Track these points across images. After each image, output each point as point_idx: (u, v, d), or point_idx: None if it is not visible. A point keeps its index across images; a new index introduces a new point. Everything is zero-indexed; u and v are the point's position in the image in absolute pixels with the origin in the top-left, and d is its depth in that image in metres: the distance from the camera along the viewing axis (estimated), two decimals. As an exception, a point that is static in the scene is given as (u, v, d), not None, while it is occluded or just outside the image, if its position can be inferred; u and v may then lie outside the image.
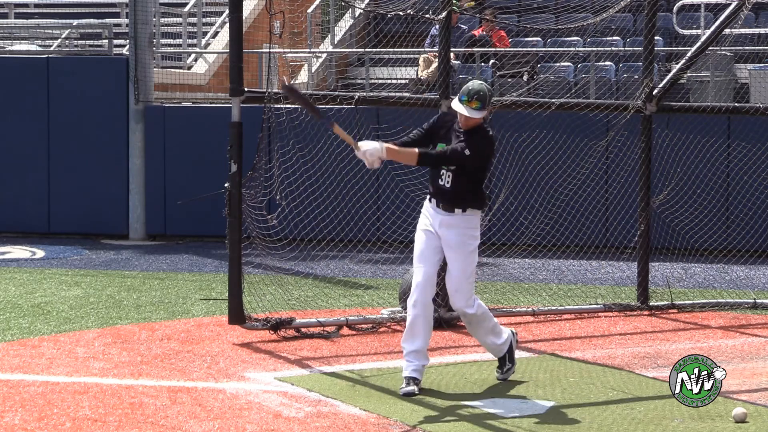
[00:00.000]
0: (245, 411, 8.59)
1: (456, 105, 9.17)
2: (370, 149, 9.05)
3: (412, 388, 9.13)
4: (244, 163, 11.08)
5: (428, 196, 9.35)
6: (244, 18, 11.39)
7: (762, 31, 20.19)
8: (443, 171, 9.20)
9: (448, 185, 9.18)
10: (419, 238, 9.32)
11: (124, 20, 24.08)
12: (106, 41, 21.45)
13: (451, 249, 9.24)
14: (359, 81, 21.50)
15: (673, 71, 13.48)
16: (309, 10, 21.11)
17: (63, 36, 22.60)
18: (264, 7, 13.13)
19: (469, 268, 9.27)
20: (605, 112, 13.36)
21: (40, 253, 17.52)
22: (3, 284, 14.43)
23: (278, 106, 11.63)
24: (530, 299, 13.38)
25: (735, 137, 16.72)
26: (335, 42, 22.50)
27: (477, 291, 13.25)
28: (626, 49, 20.16)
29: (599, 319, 12.58)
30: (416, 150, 9.13)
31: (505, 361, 9.63)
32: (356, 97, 11.91)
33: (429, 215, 9.31)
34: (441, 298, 11.89)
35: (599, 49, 19.69)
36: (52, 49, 22.29)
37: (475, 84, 9.21)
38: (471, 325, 9.52)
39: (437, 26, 13.50)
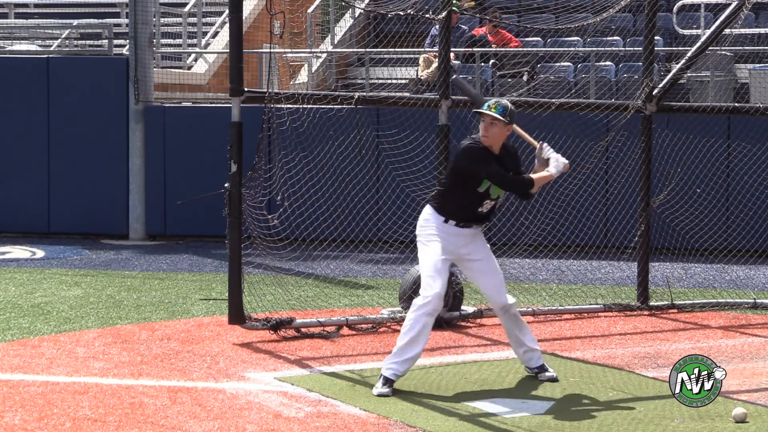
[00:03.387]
0: (245, 411, 8.59)
1: (481, 110, 9.30)
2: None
3: (389, 390, 9.14)
4: (244, 163, 11.08)
5: (442, 218, 9.36)
6: (244, 18, 11.39)
7: (762, 31, 20.19)
8: (486, 201, 9.31)
9: (486, 210, 9.39)
10: (435, 250, 9.32)
11: (124, 20, 24.10)
12: (106, 41, 21.47)
13: (483, 254, 9.44)
14: (359, 81, 21.51)
15: (673, 71, 13.48)
16: (309, 10, 21.12)
17: (63, 36, 22.61)
18: (264, 7, 13.11)
19: (496, 264, 9.55)
20: (605, 112, 13.36)
21: (40, 253, 17.52)
22: (3, 284, 14.43)
23: (279, 106, 11.64)
24: (530, 299, 13.38)
25: (735, 137, 16.72)
26: (335, 42, 22.50)
27: (478, 291, 13.28)
28: (626, 49, 20.17)
29: (599, 319, 12.58)
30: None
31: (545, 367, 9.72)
32: (356, 97, 11.90)
33: (446, 232, 9.34)
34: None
35: (599, 49, 19.70)
36: (52, 49, 22.30)
37: (502, 102, 9.39)
38: (513, 320, 9.58)
39: (437, 26, 13.50)
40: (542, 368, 9.66)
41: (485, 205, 9.34)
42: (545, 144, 9.47)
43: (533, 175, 9.36)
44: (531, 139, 9.60)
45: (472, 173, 9.23)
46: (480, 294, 13.23)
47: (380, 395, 9.07)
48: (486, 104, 9.27)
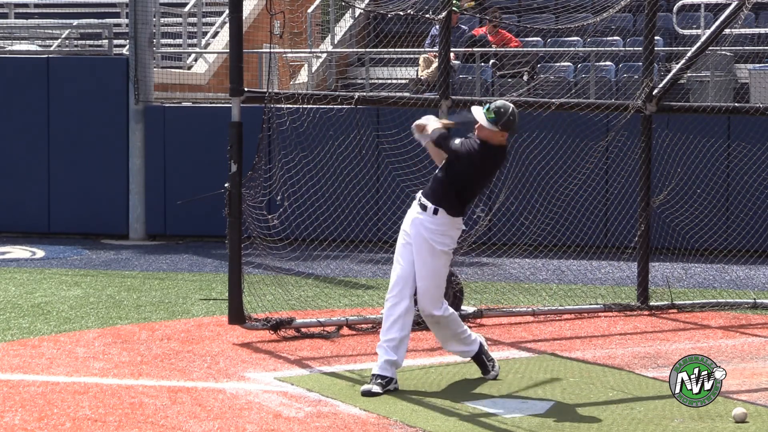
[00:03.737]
0: (245, 411, 8.59)
1: (475, 108, 9.19)
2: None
3: (369, 387, 9.13)
4: (244, 163, 11.08)
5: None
6: (244, 18, 11.39)
7: (762, 31, 20.19)
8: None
9: (438, 173, 9.28)
10: (399, 235, 9.43)
11: (124, 20, 24.09)
12: (106, 41, 21.47)
13: (415, 248, 9.24)
14: (359, 81, 21.51)
15: (673, 71, 13.48)
16: (309, 10, 21.11)
17: (63, 36, 22.61)
18: (264, 7, 13.12)
19: (433, 270, 9.19)
20: (605, 112, 13.36)
21: (40, 253, 17.52)
22: (3, 284, 14.43)
23: (279, 106, 11.63)
24: (530, 299, 13.38)
25: (735, 137, 16.72)
26: (335, 42, 22.50)
27: (477, 291, 13.31)
28: (626, 49, 20.17)
29: (599, 319, 12.58)
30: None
31: (483, 360, 9.60)
32: (356, 97, 11.90)
33: (408, 214, 9.38)
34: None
35: (599, 49, 19.70)
36: (52, 49, 22.30)
37: (500, 101, 9.22)
38: (434, 327, 9.49)
39: (437, 26, 13.50)
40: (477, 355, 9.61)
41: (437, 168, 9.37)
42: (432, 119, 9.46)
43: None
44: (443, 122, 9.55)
45: None
46: (480, 294, 13.26)
47: (362, 392, 9.12)
48: (486, 106, 9.16)
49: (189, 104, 20.52)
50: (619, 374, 9.97)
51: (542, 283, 14.65)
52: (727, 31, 13.28)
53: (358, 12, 22.78)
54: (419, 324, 11.80)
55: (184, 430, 8.10)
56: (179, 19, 23.15)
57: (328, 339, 11.31)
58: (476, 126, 9.18)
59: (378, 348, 9.28)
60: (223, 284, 13.33)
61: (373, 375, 9.20)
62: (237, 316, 11.17)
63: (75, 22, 23.11)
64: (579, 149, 15.02)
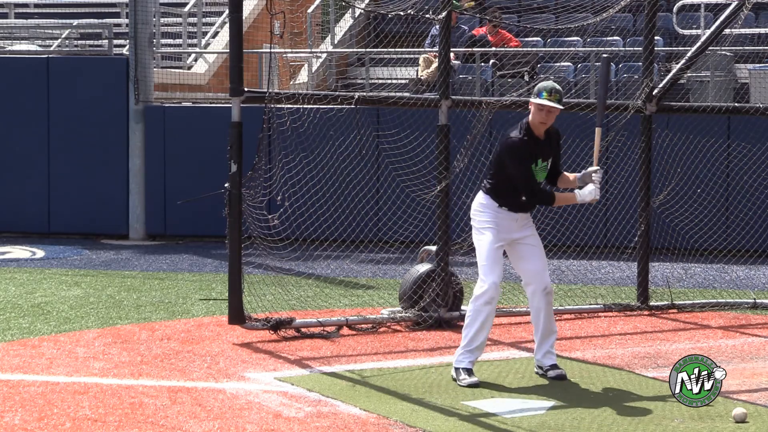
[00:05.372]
0: (245, 411, 8.59)
1: (539, 100, 9.40)
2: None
3: (476, 378, 9.40)
4: (244, 163, 11.08)
5: (497, 204, 9.52)
6: (244, 18, 11.39)
7: (762, 31, 20.19)
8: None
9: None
10: (489, 239, 9.51)
11: (124, 20, 24.11)
12: (106, 41, 21.47)
13: (533, 237, 9.59)
14: (359, 81, 21.51)
15: (673, 71, 13.48)
16: (309, 10, 21.12)
17: (63, 36, 22.62)
18: (264, 7, 13.13)
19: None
20: (605, 112, 13.34)
21: (40, 253, 17.52)
22: (3, 284, 14.43)
23: (279, 106, 11.64)
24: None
25: (735, 137, 16.73)
26: (335, 42, 22.50)
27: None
28: (626, 49, 20.17)
29: (599, 319, 12.58)
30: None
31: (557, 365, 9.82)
32: (356, 97, 11.90)
33: (500, 218, 9.51)
34: (441, 298, 11.89)
35: (599, 49, 19.70)
36: (52, 49, 22.30)
37: (549, 83, 9.53)
38: (549, 307, 9.67)
39: (437, 26, 13.50)
40: (554, 366, 9.72)
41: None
42: (600, 171, 9.58)
43: (557, 194, 9.58)
44: (596, 156, 9.73)
45: (510, 168, 9.47)
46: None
47: (470, 385, 9.29)
48: (542, 92, 9.40)
49: (189, 104, 20.52)
50: (619, 374, 9.97)
51: (542, 283, 14.62)
52: (727, 31, 13.27)
53: (358, 12, 22.79)
54: (419, 324, 11.82)
55: (184, 430, 8.10)
56: (179, 19, 23.15)
57: (328, 339, 11.31)
58: (541, 117, 9.42)
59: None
60: (223, 284, 13.33)
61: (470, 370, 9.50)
62: (237, 316, 11.17)
63: (75, 22, 23.12)
64: (580, 149, 15.01)
